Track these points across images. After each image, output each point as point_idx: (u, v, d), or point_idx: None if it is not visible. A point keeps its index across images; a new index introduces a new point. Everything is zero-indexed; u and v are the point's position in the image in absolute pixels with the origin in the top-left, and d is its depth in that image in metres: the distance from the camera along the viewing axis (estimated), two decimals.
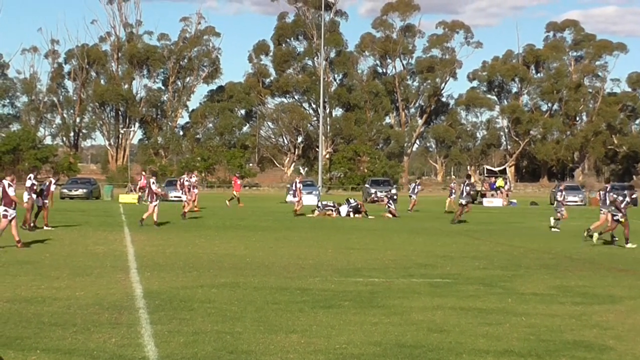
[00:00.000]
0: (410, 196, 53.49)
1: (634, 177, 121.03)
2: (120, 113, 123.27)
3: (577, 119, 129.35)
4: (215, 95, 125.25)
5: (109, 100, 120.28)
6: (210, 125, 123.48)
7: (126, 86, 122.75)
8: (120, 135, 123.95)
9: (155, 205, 34.03)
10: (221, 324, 12.37)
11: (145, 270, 18.82)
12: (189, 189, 43.35)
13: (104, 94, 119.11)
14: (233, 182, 63.81)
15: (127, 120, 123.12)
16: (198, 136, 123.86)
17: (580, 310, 14.34)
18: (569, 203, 68.02)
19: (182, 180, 44.38)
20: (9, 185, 23.87)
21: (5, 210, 23.53)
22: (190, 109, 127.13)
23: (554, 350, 10.98)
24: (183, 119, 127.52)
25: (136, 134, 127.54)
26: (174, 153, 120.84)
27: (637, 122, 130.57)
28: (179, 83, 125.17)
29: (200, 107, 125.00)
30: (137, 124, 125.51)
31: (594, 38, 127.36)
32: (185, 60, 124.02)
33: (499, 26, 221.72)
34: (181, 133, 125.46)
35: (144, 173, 69.99)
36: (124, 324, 12.33)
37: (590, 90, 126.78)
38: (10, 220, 23.66)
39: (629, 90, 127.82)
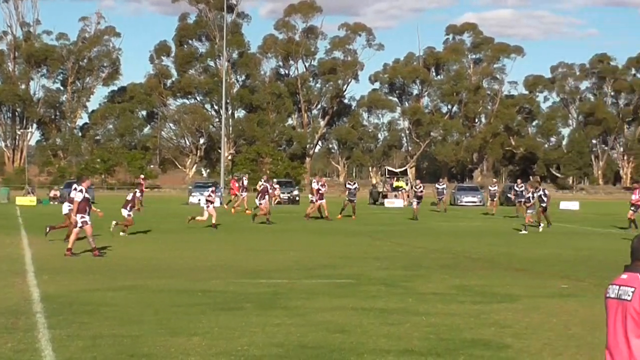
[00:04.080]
0: (439, 198, 57.05)
1: (530, 177, 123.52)
2: (17, 114, 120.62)
3: (476, 120, 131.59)
4: (116, 96, 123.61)
5: (5, 101, 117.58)
6: (111, 126, 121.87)
7: (23, 86, 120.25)
8: (17, 137, 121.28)
9: None
10: (120, 328, 12.20)
11: (42, 274, 18.48)
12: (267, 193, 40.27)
13: (0, 94, 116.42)
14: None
15: (25, 121, 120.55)
16: (98, 137, 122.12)
17: (479, 309, 14.56)
18: (467, 204, 69.25)
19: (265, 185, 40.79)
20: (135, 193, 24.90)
21: (129, 215, 24.40)
22: (90, 110, 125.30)
23: (453, 349, 11.12)
24: (82, 120, 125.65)
25: (34, 135, 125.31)
26: (73, 154, 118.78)
27: (533, 124, 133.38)
28: (79, 83, 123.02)
29: (100, 108, 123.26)
30: (34, 125, 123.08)
31: (492, 41, 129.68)
32: (85, 61, 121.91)
33: (399, 28, 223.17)
34: (80, 134, 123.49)
35: (236, 176, 62.84)
36: (20, 328, 12.08)
37: (489, 92, 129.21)
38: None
39: (526, 92, 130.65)
